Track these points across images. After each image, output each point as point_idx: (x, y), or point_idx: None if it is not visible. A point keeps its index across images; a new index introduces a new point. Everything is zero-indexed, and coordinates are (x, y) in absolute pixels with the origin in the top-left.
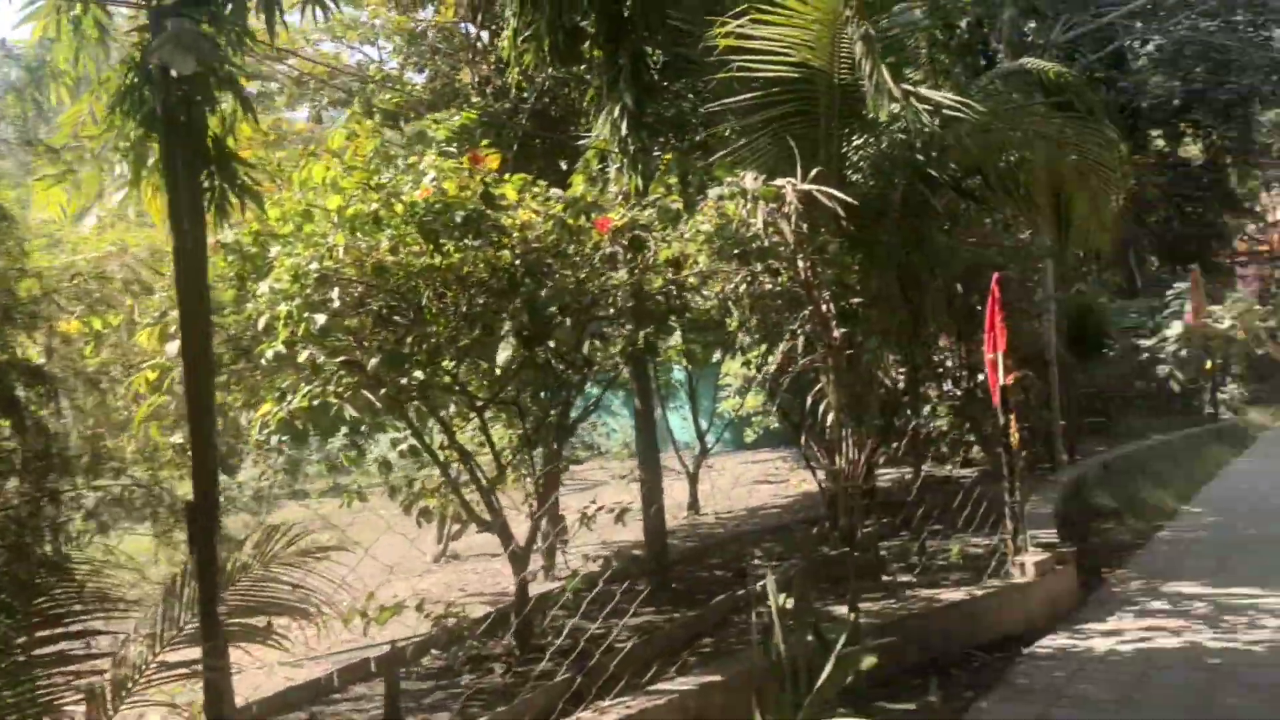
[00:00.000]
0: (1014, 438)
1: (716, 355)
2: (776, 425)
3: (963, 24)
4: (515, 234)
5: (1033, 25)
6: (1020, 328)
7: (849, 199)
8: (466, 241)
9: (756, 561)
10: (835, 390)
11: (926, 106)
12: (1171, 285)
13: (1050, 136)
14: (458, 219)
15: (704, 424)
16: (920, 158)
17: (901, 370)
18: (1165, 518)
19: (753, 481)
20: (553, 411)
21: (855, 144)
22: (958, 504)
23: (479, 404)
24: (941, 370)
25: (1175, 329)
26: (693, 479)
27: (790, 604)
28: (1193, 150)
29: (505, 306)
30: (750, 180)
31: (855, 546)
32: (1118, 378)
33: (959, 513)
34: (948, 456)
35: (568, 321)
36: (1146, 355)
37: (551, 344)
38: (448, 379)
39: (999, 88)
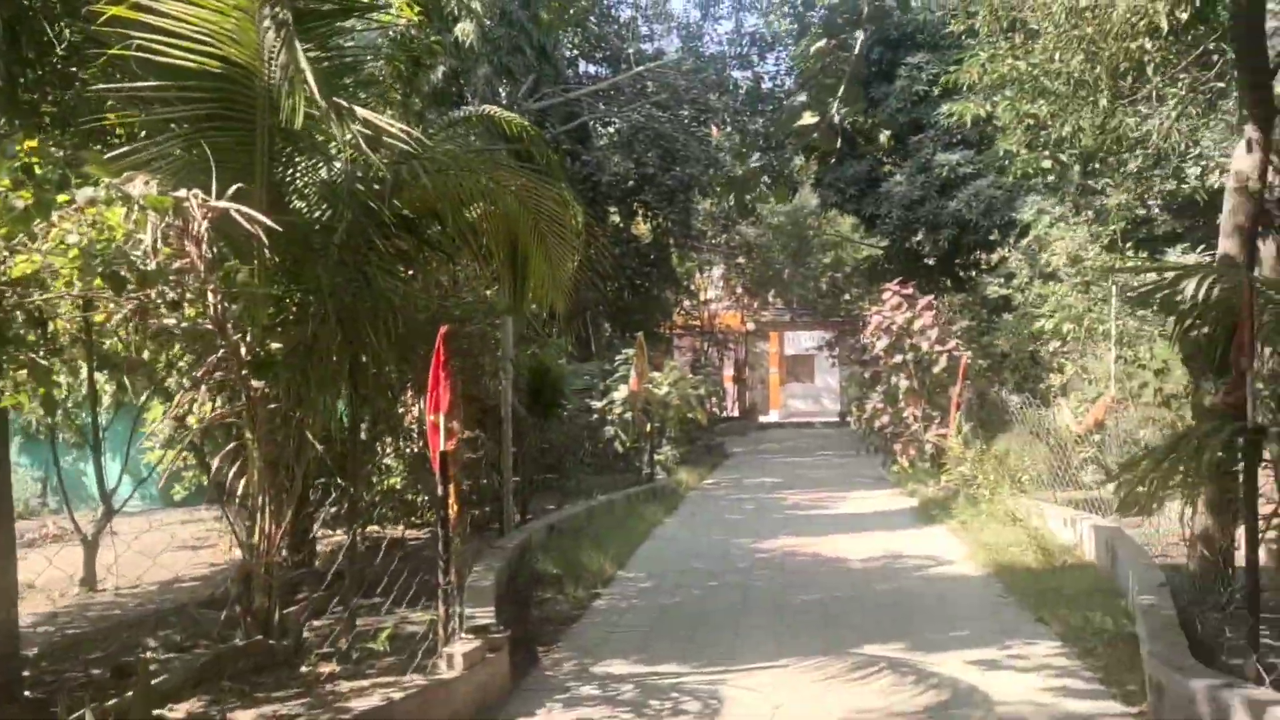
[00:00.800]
0: (453, 510)
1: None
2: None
3: (439, 73)
4: None
5: (507, 88)
6: (482, 385)
7: (273, 224)
8: None
9: (149, 654)
10: (259, 447)
11: (367, 131)
12: (621, 351)
13: (511, 188)
14: None
15: (115, 477)
16: (362, 188)
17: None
18: (603, 584)
19: (176, 547)
20: None
21: (300, 165)
22: (403, 573)
23: None
24: (401, 427)
25: (622, 392)
26: (91, 546)
27: None
28: (643, 229)
29: None
30: (139, 185)
31: (271, 632)
32: (571, 436)
33: (405, 581)
34: (399, 518)
35: None
36: (596, 416)
37: None
38: None
39: (462, 132)
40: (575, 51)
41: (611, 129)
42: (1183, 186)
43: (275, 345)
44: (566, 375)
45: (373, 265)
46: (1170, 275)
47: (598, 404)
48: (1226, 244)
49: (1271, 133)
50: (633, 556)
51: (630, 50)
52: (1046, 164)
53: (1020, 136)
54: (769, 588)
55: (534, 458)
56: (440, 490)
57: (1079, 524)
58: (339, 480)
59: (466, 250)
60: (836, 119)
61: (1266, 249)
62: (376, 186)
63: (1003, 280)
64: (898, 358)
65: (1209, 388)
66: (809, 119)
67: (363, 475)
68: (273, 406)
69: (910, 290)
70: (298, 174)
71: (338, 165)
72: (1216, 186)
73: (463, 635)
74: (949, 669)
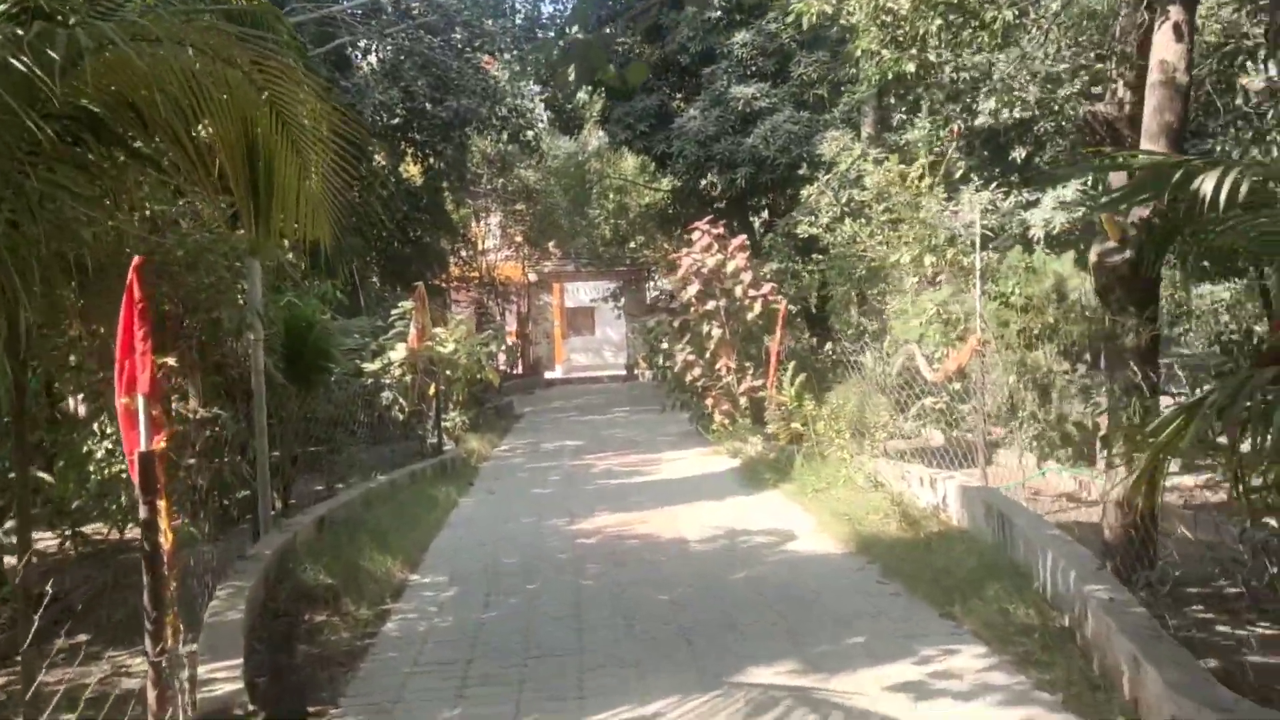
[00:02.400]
0: (165, 538)
1: None
2: None
3: None
4: None
5: None
6: (225, 348)
7: None
8: None
9: None
10: None
11: None
12: (396, 305)
13: (247, 71)
14: None
15: None
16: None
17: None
18: (393, 595)
19: None
20: None
21: None
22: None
23: None
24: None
25: (399, 352)
26: None
27: None
28: (414, 171)
29: None
30: None
31: None
32: (342, 405)
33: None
34: (124, 515)
35: None
36: (371, 380)
37: None
38: None
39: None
40: None
41: (374, 58)
42: (976, 122)
43: None
44: (334, 333)
45: (41, 181)
46: (1178, 170)
47: (371, 366)
48: (1152, 148)
49: (1196, 12)
50: (428, 553)
51: None
52: (910, 66)
53: (876, 34)
54: (605, 588)
55: (297, 432)
56: (144, 510)
57: (940, 484)
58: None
59: (183, 159)
60: None
61: (1116, 174)
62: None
63: (812, 218)
64: (709, 304)
65: (1131, 325)
66: None
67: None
68: None
69: (720, 230)
70: None
71: None
72: (1012, 120)
73: None
74: (870, 700)
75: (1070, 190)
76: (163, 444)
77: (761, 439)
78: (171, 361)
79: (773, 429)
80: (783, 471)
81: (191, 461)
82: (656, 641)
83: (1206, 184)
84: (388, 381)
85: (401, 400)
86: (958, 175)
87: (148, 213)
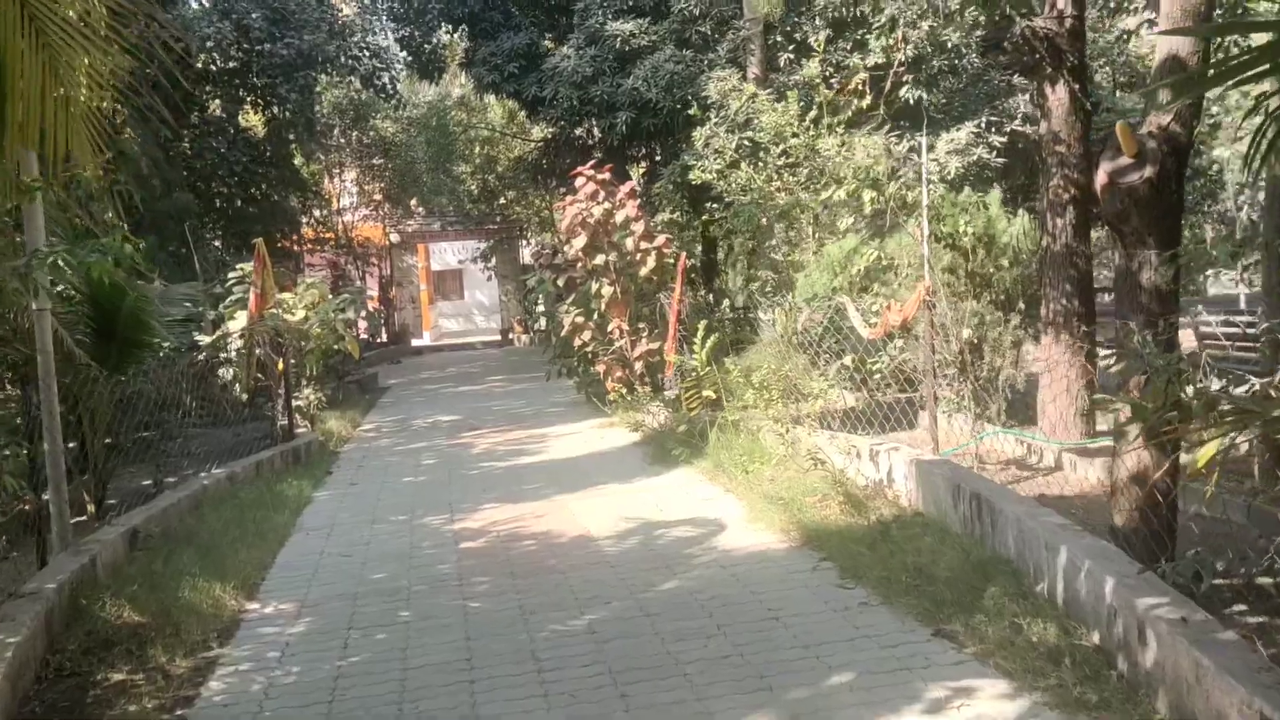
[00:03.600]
0: None
1: None
2: None
3: None
4: None
5: None
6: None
7: None
8: None
9: None
10: None
11: None
12: (235, 268)
13: None
14: None
15: None
16: None
17: None
18: (221, 636)
19: None
20: None
21: None
22: None
23: None
24: None
25: (240, 320)
26: None
27: None
28: (255, 120)
29: None
30: None
31: None
32: (165, 385)
33: None
34: None
35: None
36: (204, 355)
37: None
38: None
39: None
40: None
41: None
42: (868, 59)
43: None
44: (154, 301)
45: None
46: None
47: (207, 339)
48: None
49: None
50: (271, 571)
51: None
52: None
53: None
54: (501, 613)
55: (110, 421)
56: None
57: (884, 456)
58: None
59: None
60: None
61: (1056, 96)
62: None
63: (703, 164)
64: (599, 258)
65: (1152, 258)
66: None
67: None
68: None
69: (607, 175)
70: None
71: None
72: (906, 58)
73: None
74: None
75: (964, 133)
76: None
77: (664, 408)
78: None
79: (678, 397)
80: (695, 446)
81: None
82: (579, 696)
83: None
84: (228, 356)
85: (244, 377)
86: (904, 91)
87: None
